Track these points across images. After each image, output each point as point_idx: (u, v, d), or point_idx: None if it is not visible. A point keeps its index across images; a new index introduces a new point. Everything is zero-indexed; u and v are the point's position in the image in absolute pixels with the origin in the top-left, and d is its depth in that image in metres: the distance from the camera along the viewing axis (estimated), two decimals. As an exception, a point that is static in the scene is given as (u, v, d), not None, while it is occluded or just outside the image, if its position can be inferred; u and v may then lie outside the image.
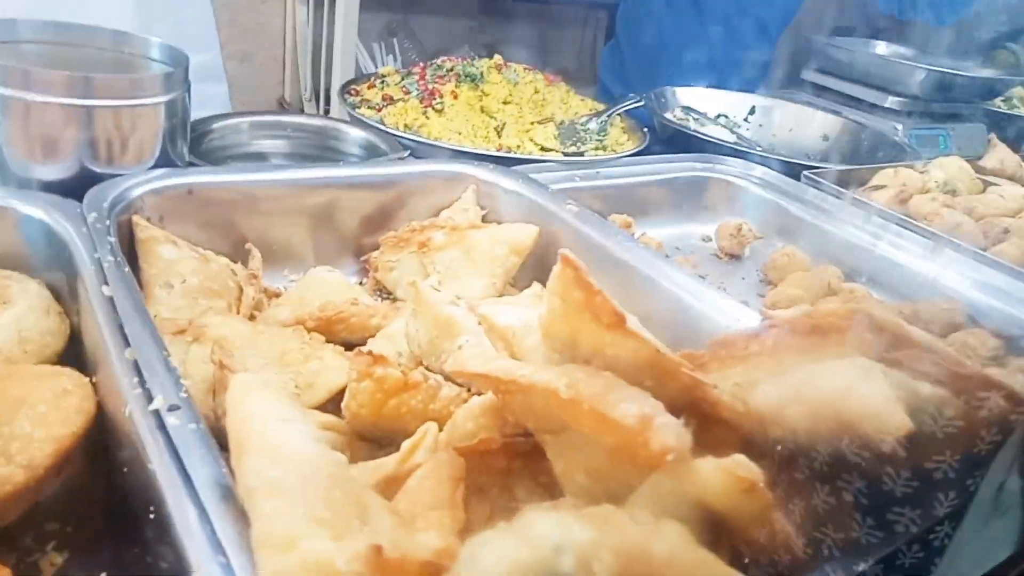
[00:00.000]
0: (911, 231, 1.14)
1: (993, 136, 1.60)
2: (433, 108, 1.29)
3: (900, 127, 1.80)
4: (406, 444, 0.57)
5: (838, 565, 0.48)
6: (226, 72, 1.78)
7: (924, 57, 1.98)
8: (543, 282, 0.70)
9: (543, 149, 1.30)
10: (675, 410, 0.46)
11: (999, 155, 1.52)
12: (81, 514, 0.58)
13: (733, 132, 1.68)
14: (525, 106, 1.38)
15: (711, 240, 1.27)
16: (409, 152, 1.17)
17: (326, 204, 0.97)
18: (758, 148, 1.49)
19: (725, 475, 0.39)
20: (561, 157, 1.27)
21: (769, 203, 1.29)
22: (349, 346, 0.77)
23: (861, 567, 0.48)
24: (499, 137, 1.29)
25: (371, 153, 1.20)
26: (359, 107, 1.33)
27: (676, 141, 1.46)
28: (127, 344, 0.56)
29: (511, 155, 1.22)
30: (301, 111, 2.30)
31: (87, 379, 0.59)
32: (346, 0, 1.96)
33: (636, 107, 1.48)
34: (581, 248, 0.92)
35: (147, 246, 0.81)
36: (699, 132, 1.52)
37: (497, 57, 1.46)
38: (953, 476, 0.57)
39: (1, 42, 0.93)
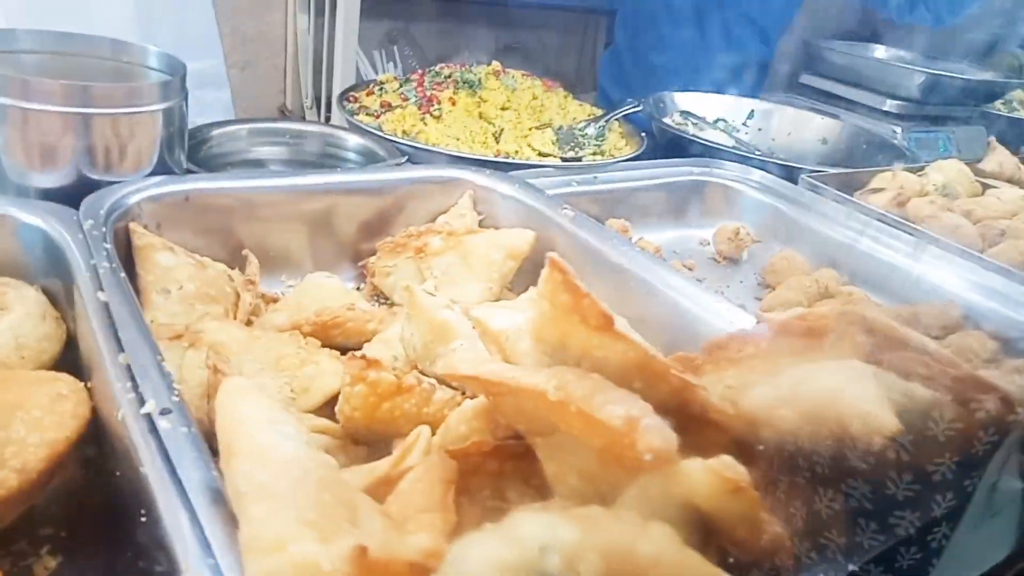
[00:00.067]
0: (909, 234, 1.14)
1: (992, 139, 1.60)
2: (431, 114, 1.30)
3: (899, 130, 1.81)
4: (399, 447, 0.58)
5: (829, 566, 0.48)
6: (229, 80, 1.79)
7: (923, 60, 1.98)
8: (539, 286, 0.70)
9: (541, 154, 1.30)
10: (664, 412, 0.46)
11: (998, 158, 1.52)
12: (76, 518, 0.58)
13: (732, 136, 1.69)
14: (523, 112, 1.38)
15: (709, 244, 1.27)
16: (407, 158, 1.17)
17: (323, 210, 0.98)
18: (757, 152, 1.50)
19: (712, 476, 0.39)
20: (559, 162, 1.28)
21: (767, 207, 1.29)
22: (346, 351, 0.78)
23: (852, 568, 0.48)
24: (497, 143, 1.30)
25: (369, 159, 1.21)
26: (357, 114, 1.34)
27: (674, 146, 1.47)
28: (121, 349, 0.57)
29: (509, 160, 1.23)
30: (303, 119, 2.31)
31: (82, 384, 0.59)
32: (346, 8, 1.97)
33: (634, 112, 1.49)
34: (577, 252, 0.93)
35: (144, 253, 0.81)
36: (698, 136, 1.52)
37: (495, 63, 1.47)
38: (947, 478, 0.57)
39: (0, 52, 0.94)
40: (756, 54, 1.93)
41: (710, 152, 1.39)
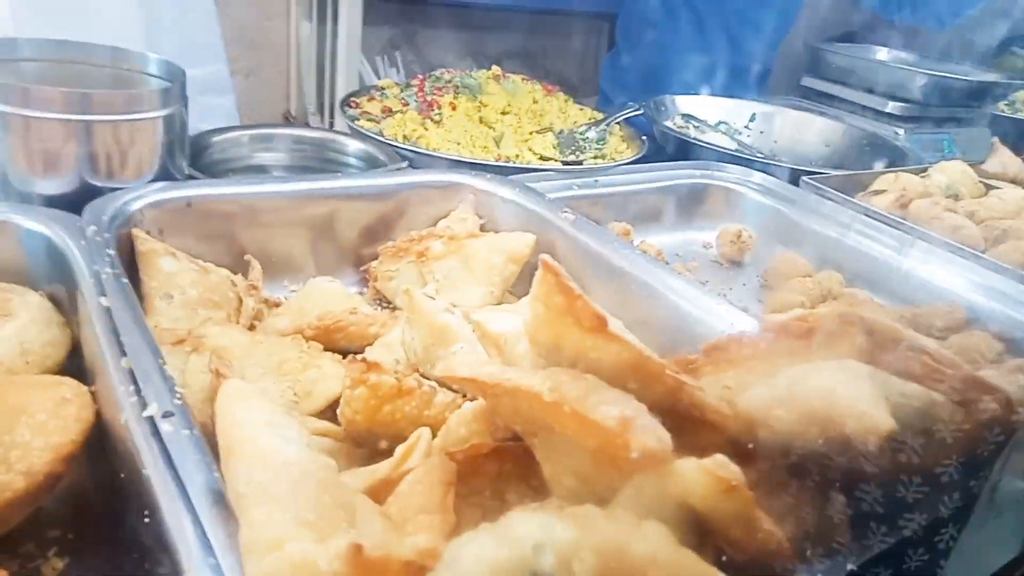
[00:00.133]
0: (911, 235, 1.14)
1: (995, 140, 1.60)
2: (431, 119, 1.30)
3: (902, 132, 1.80)
4: (399, 449, 0.58)
5: (826, 566, 0.48)
6: (234, 86, 1.80)
7: (925, 62, 1.98)
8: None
9: (542, 158, 1.31)
10: (660, 412, 0.47)
11: (1001, 159, 1.52)
12: (82, 520, 0.59)
13: (733, 139, 1.69)
14: (523, 116, 1.39)
15: (711, 247, 1.28)
16: (408, 163, 1.18)
17: (325, 215, 0.98)
18: (759, 155, 1.50)
19: (706, 475, 0.39)
20: (560, 166, 1.28)
21: (769, 209, 1.29)
22: (349, 355, 0.78)
23: (850, 567, 0.48)
24: (498, 147, 1.30)
25: (370, 164, 1.21)
26: (359, 119, 1.34)
27: (676, 149, 1.47)
28: (124, 353, 0.57)
29: (509, 164, 1.23)
30: (306, 124, 2.32)
31: (86, 388, 0.60)
32: (349, 15, 1.99)
33: (635, 115, 1.49)
34: (578, 255, 0.93)
35: (147, 258, 0.82)
36: (699, 140, 1.53)
37: (495, 68, 1.48)
38: (948, 478, 0.58)
39: (2, 60, 0.95)
40: (758, 57, 1.93)
41: (712, 155, 1.39)
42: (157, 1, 1.46)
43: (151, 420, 0.50)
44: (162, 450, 0.48)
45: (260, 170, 1.22)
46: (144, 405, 0.52)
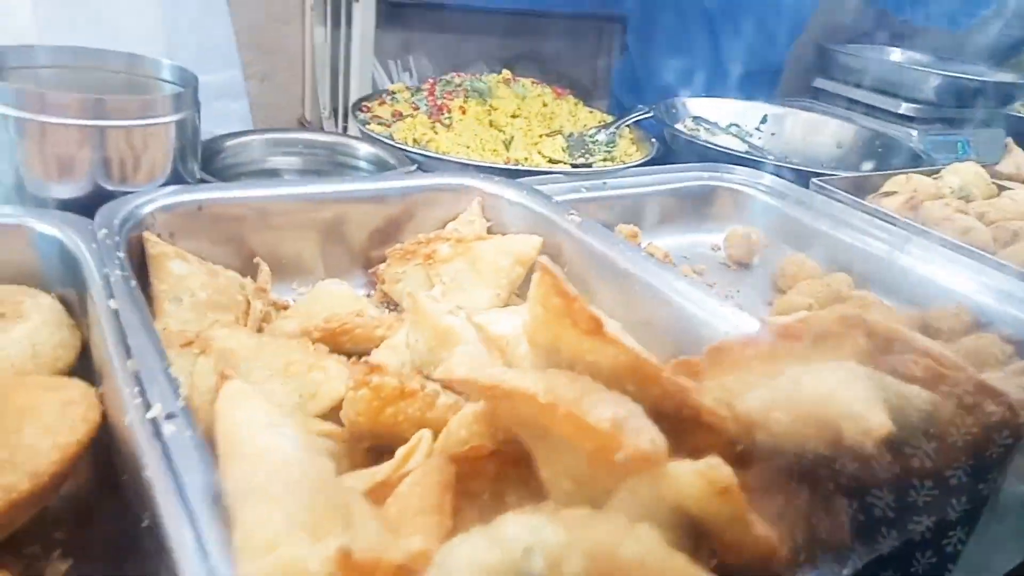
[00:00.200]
0: (921, 237, 1.14)
1: (1009, 140, 1.58)
2: (441, 123, 1.31)
3: (915, 133, 1.79)
4: (400, 451, 0.59)
5: (823, 569, 0.48)
6: (248, 91, 1.83)
7: (939, 63, 1.96)
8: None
9: (551, 161, 1.31)
10: (658, 415, 0.47)
11: (1015, 160, 1.50)
12: (87, 522, 0.60)
13: (744, 141, 1.68)
14: (533, 119, 1.39)
15: (720, 249, 1.27)
16: (417, 166, 1.18)
17: (334, 218, 0.99)
18: (770, 157, 1.49)
19: (698, 478, 0.39)
20: (568, 169, 1.28)
21: (778, 211, 1.28)
22: (355, 357, 0.79)
23: (846, 572, 0.48)
24: (507, 150, 1.30)
25: (380, 168, 1.22)
26: (369, 123, 1.35)
27: (687, 152, 1.47)
28: (129, 355, 0.58)
29: (518, 168, 1.24)
30: (321, 128, 2.33)
31: (93, 390, 0.60)
32: (362, 19, 2.00)
33: (645, 118, 1.49)
34: (584, 257, 0.93)
35: (158, 261, 0.83)
36: (709, 142, 1.52)
37: (505, 72, 1.48)
38: (949, 482, 0.57)
39: (19, 67, 0.97)
40: (769, 58, 1.93)
41: (723, 158, 1.38)
42: (175, 9, 1.48)
43: (154, 422, 0.51)
44: (163, 452, 0.49)
45: (272, 174, 1.24)
46: (148, 407, 0.53)
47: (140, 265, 0.81)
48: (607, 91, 2.37)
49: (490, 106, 1.38)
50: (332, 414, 0.71)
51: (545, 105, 1.44)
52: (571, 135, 1.39)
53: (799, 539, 0.48)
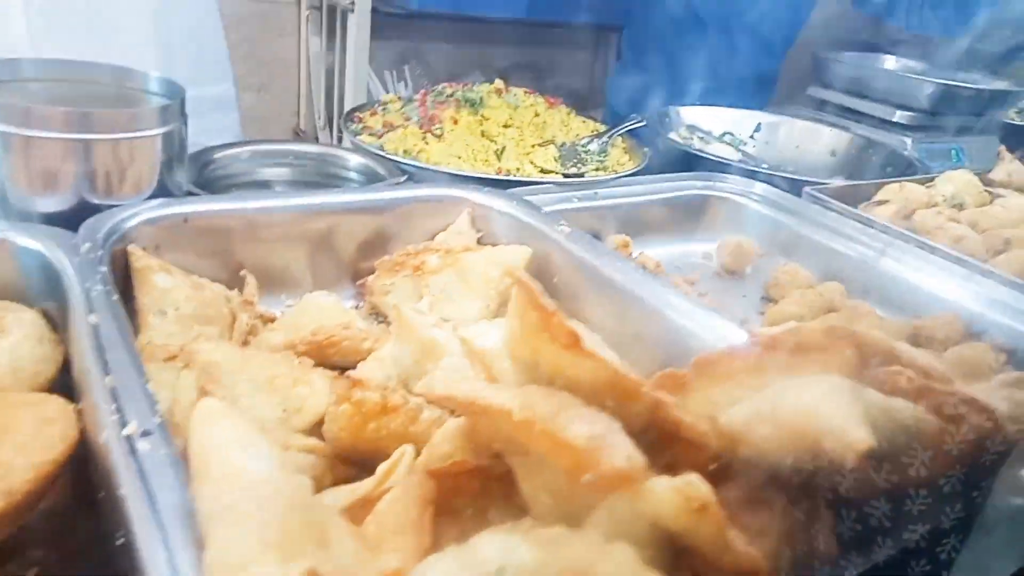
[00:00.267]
0: (913, 246, 1.13)
1: (1002, 148, 1.58)
2: (432, 134, 1.31)
3: (909, 141, 1.79)
4: (382, 467, 0.58)
5: (808, 586, 0.47)
6: (240, 103, 1.83)
7: (933, 70, 1.96)
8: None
9: (543, 171, 1.31)
10: (639, 431, 0.46)
11: (1007, 167, 1.50)
12: (65, 540, 0.59)
13: (738, 150, 1.68)
14: (525, 129, 1.39)
15: (712, 258, 1.27)
16: (407, 177, 1.18)
17: (323, 230, 0.98)
18: (764, 166, 1.49)
19: (676, 495, 0.39)
20: (560, 179, 1.28)
21: (770, 220, 1.28)
22: (343, 370, 0.78)
23: (832, 588, 0.47)
24: (499, 160, 1.30)
25: (370, 179, 1.22)
26: (360, 134, 1.35)
27: (680, 161, 1.46)
28: (107, 371, 0.57)
29: (509, 178, 1.23)
30: (315, 139, 2.34)
31: (71, 406, 0.60)
32: (357, 31, 2.01)
33: (638, 127, 1.49)
34: (573, 268, 0.93)
35: (142, 275, 0.82)
36: (702, 150, 1.52)
37: (498, 82, 1.48)
38: (935, 496, 0.57)
39: (6, 81, 0.96)
40: (763, 67, 1.93)
41: (717, 167, 1.38)
42: (169, 22, 1.49)
43: (130, 439, 0.50)
44: (138, 469, 0.48)
45: (262, 185, 1.23)
46: (125, 423, 0.52)
47: (125, 279, 0.81)
48: (602, 100, 2.37)
49: (482, 116, 1.37)
50: (317, 429, 0.70)
51: (537, 115, 1.44)
52: (563, 145, 1.38)
53: (784, 555, 0.47)
